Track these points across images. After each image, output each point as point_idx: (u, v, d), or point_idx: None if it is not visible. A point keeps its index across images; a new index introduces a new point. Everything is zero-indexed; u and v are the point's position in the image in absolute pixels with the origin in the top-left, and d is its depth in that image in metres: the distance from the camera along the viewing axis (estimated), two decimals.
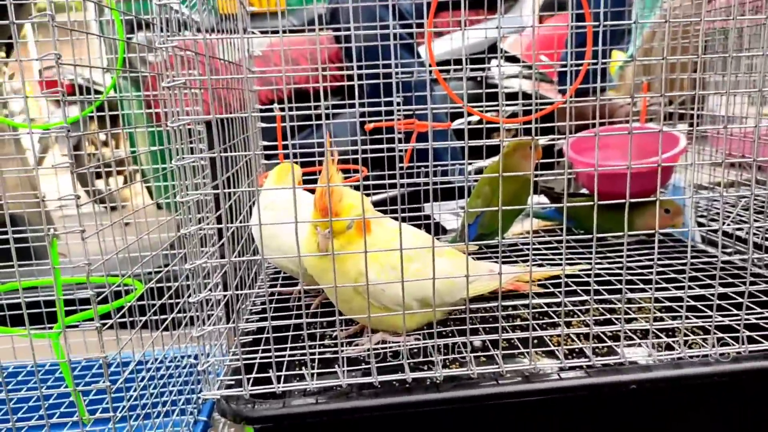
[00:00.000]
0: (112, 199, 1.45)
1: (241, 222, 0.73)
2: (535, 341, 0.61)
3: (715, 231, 0.86)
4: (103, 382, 0.50)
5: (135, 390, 0.58)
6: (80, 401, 0.53)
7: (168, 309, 0.71)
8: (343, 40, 1.21)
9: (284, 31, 1.29)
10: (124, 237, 0.60)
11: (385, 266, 0.53)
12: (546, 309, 0.67)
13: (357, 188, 0.56)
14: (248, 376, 0.52)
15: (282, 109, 0.90)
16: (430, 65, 0.54)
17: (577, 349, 0.59)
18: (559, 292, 0.56)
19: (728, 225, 0.87)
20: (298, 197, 0.61)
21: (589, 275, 0.71)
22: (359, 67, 0.98)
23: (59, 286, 0.49)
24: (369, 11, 1.08)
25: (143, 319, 0.63)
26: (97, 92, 0.85)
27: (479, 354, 0.61)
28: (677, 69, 1.05)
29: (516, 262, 0.83)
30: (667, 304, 0.67)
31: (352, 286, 0.53)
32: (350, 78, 1.13)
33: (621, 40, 1.33)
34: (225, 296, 0.57)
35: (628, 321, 0.64)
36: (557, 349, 0.55)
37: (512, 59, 1.77)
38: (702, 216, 1.00)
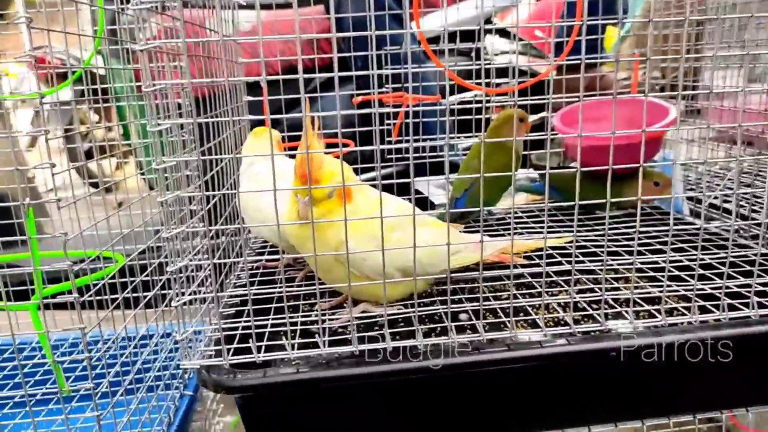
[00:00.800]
0: (105, 181, 1.44)
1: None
2: (519, 312, 0.61)
3: (700, 202, 0.86)
4: (81, 354, 0.50)
5: (118, 366, 0.58)
6: (60, 373, 0.53)
7: (153, 286, 0.70)
8: (333, 11, 1.19)
9: (271, 6, 1.27)
10: (106, 213, 0.60)
11: (366, 235, 0.53)
12: (530, 279, 0.66)
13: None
14: (228, 346, 0.52)
15: (268, 82, 0.89)
16: (419, 40, 0.53)
17: (559, 319, 0.59)
18: (541, 262, 0.56)
19: (712, 196, 0.87)
20: (281, 165, 0.60)
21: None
22: (349, 39, 0.97)
23: (36, 258, 0.49)
24: None
25: (125, 294, 0.63)
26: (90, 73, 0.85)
27: (461, 323, 0.61)
28: (670, 41, 1.04)
29: (503, 235, 0.83)
30: (651, 273, 0.67)
31: (331, 255, 0.53)
32: (340, 51, 1.11)
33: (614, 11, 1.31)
34: (206, 266, 0.57)
35: (610, 290, 0.64)
36: (537, 318, 0.55)
37: (505, 34, 1.75)
38: (691, 189, 1.00)
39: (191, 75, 0.47)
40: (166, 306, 0.70)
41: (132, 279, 0.68)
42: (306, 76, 0.45)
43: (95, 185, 1.16)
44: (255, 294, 0.58)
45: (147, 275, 0.70)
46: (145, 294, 0.68)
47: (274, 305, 0.62)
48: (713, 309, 0.56)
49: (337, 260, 0.55)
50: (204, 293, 0.56)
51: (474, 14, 1.39)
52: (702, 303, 0.57)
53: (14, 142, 1.55)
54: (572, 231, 0.78)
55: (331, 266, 0.55)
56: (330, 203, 0.53)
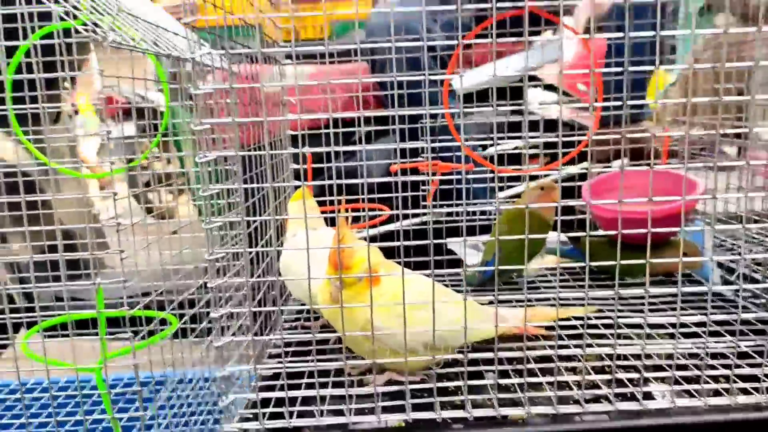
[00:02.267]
0: (166, 212, 1.54)
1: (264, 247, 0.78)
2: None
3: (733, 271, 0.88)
4: (137, 410, 0.56)
5: (165, 417, 0.64)
6: (117, 428, 0.60)
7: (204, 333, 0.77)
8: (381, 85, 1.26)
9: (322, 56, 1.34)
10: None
11: (392, 315, 0.58)
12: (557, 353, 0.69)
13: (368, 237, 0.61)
14: (264, 410, 0.57)
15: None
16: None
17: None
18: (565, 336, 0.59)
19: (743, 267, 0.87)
20: (322, 237, 0.66)
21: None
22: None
23: (103, 328, 0.56)
24: (410, 58, 1.13)
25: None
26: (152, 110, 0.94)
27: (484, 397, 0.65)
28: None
29: (531, 300, 0.86)
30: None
31: (359, 334, 0.58)
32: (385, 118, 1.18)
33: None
34: (245, 313, 0.62)
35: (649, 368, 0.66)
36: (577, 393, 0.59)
37: (550, 87, 1.79)
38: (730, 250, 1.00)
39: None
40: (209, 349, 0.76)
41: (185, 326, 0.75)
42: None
43: (150, 212, 1.25)
44: (289, 362, 0.63)
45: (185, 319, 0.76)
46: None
47: (307, 369, 0.67)
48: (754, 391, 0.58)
49: (365, 336, 0.60)
50: (242, 352, 0.62)
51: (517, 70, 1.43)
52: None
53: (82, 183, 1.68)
54: (598, 297, 0.80)
55: (360, 341, 0.61)
56: (359, 286, 0.59)
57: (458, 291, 0.76)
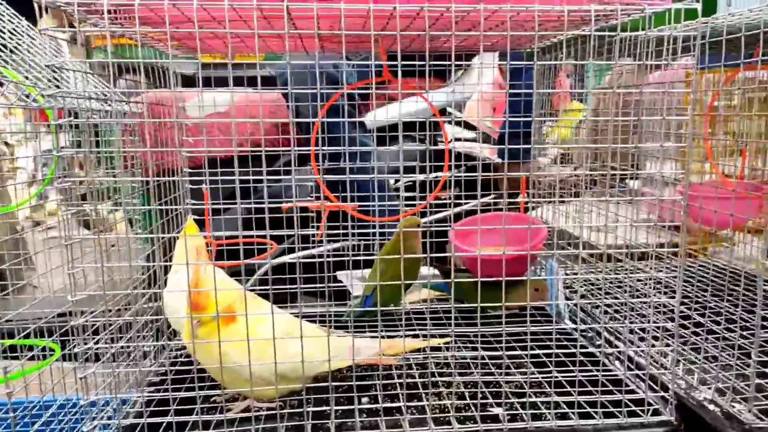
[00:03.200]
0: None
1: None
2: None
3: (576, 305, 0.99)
4: None
5: None
6: None
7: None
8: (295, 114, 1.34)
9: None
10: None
11: (245, 349, 0.65)
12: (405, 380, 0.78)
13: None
14: None
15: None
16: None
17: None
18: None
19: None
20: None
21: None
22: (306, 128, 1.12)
23: None
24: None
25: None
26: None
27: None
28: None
29: (407, 330, 0.94)
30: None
31: (214, 366, 0.65)
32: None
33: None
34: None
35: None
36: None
37: (464, 124, 1.93)
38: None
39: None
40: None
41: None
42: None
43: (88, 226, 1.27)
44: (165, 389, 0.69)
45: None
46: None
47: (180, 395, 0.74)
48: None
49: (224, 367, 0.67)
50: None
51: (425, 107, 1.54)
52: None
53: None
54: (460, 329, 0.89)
55: (218, 371, 0.67)
56: (217, 323, 0.66)
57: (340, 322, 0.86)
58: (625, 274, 0.82)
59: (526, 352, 0.84)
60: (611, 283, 1.03)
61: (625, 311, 0.77)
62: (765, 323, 0.73)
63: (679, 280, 0.66)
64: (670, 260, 1.13)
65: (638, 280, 0.77)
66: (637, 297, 0.75)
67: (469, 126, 1.95)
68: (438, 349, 0.86)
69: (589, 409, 0.69)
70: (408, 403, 0.72)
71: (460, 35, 0.70)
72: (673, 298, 0.67)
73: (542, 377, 0.76)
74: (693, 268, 1.21)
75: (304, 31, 0.73)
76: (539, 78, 1.19)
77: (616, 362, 0.81)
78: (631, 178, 1.52)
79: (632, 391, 0.72)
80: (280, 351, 0.66)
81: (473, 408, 0.73)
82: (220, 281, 0.68)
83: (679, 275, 0.66)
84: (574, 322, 0.98)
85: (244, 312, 0.68)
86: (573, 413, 0.69)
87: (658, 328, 0.69)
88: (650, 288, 0.70)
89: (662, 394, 0.69)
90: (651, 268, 0.69)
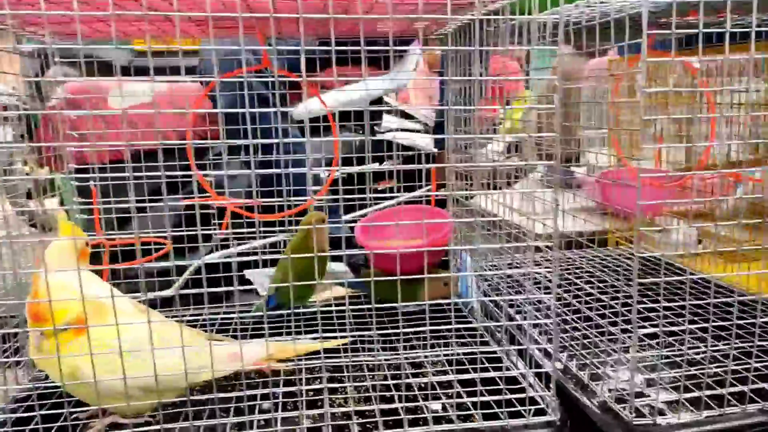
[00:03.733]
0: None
1: None
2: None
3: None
4: None
5: None
6: None
7: None
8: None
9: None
10: None
11: (98, 362, 0.60)
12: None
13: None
14: None
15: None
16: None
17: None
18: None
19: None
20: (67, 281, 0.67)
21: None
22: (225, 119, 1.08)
23: None
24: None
25: None
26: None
27: None
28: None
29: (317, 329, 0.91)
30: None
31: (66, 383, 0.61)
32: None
33: None
34: None
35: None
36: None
37: (400, 113, 1.89)
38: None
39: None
40: None
41: None
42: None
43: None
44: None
45: None
46: None
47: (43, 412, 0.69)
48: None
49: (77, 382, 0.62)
50: None
51: (362, 96, 1.50)
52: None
53: None
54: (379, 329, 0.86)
55: (73, 387, 0.63)
56: (66, 334, 0.61)
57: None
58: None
59: (426, 352, 0.82)
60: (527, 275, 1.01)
61: (526, 307, 0.75)
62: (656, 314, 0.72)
63: (555, 273, 0.63)
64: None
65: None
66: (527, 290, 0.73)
67: (407, 115, 1.92)
68: (337, 351, 0.83)
69: (472, 411, 0.67)
70: (307, 411, 0.69)
71: (340, 18, 0.66)
72: (549, 293, 0.64)
73: (436, 379, 0.74)
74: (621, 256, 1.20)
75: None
76: (465, 66, 1.16)
77: (521, 361, 0.79)
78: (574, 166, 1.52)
79: (523, 390, 0.69)
80: (141, 362, 0.62)
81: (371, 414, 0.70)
82: (74, 289, 0.63)
83: (554, 268, 0.63)
84: (492, 319, 0.96)
85: (100, 322, 0.63)
86: (453, 416, 0.66)
87: (537, 324, 0.66)
88: (530, 283, 0.67)
89: (544, 393, 0.67)
90: (529, 261, 0.66)
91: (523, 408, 0.66)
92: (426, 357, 0.82)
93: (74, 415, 0.65)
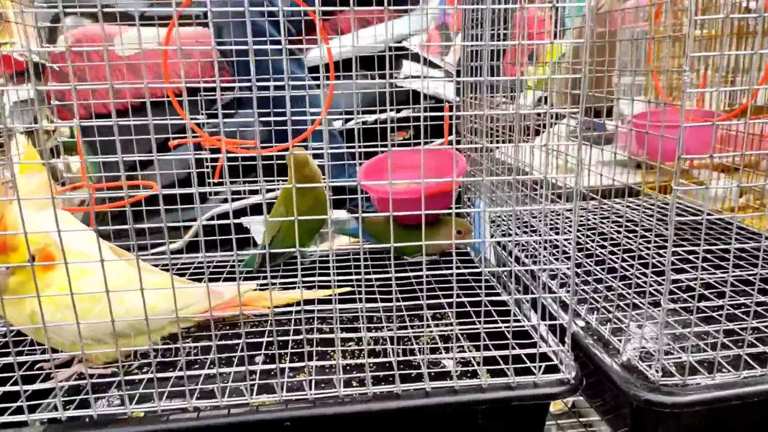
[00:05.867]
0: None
1: None
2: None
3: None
4: None
5: None
6: None
7: None
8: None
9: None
10: None
11: (62, 306, 0.55)
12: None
13: None
14: None
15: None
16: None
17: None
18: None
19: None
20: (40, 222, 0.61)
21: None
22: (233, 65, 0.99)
23: None
24: (250, 22, 1.08)
25: None
26: None
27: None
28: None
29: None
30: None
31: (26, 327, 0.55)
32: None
33: None
34: None
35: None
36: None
37: (418, 58, 1.77)
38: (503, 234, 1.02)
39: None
40: None
41: None
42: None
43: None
44: None
45: None
46: None
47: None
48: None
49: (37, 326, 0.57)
50: None
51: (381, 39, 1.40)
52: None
53: None
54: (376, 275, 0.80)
55: (34, 332, 0.58)
56: (29, 271, 0.55)
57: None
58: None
59: (430, 302, 0.75)
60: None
61: (540, 251, 0.67)
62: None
63: (575, 210, 0.55)
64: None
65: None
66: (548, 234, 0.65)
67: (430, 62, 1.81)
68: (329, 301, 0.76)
69: (476, 368, 0.60)
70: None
71: None
72: (567, 235, 0.56)
73: (437, 331, 0.67)
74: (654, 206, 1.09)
75: None
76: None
77: (533, 312, 0.71)
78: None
79: (534, 345, 0.62)
80: (106, 306, 0.56)
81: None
82: (40, 224, 0.57)
83: (575, 210, 0.55)
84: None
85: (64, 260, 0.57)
86: (454, 372, 0.59)
87: (555, 270, 0.58)
88: (545, 225, 0.59)
89: (558, 348, 0.59)
90: (544, 201, 0.58)
91: (533, 364, 0.58)
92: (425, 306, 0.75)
93: (39, 365, 0.60)
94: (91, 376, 0.60)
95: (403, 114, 1.37)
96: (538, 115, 0.89)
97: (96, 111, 1.09)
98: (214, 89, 1.20)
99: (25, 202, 0.67)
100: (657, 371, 0.57)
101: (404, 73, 1.65)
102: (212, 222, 1.05)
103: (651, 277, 0.65)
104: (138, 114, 1.16)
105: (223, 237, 0.94)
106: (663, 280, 0.54)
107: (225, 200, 1.17)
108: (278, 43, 1.22)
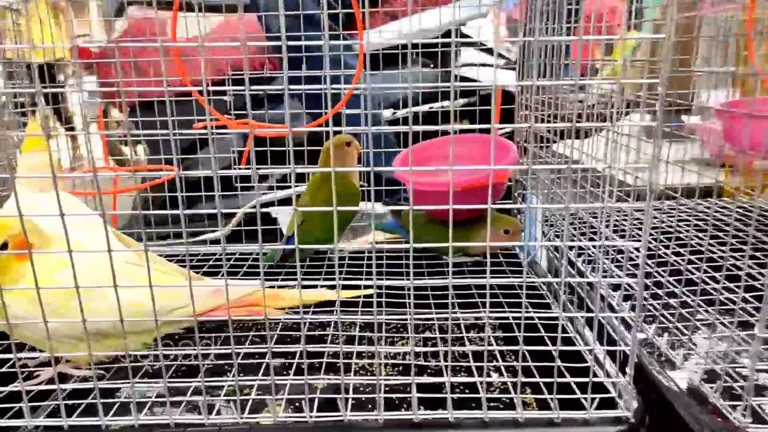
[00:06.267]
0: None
1: None
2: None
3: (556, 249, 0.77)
4: None
5: None
6: None
7: None
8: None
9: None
10: None
11: (35, 301, 0.48)
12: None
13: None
14: None
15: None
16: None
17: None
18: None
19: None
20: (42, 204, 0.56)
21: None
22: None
23: None
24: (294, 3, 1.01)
25: None
26: None
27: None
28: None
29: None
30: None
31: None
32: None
33: None
34: None
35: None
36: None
37: (475, 45, 1.66)
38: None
39: None
40: None
41: None
42: None
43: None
44: None
45: None
46: None
47: None
48: None
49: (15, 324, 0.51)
50: None
51: (438, 24, 1.30)
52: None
53: None
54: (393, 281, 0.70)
55: (12, 329, 0.51)
56: (4, 260, 0.49)
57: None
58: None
59: (464, 314, 0.65)
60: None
61: (599, 257, 0.55)
62: None
63: (647, 215, 0.43)
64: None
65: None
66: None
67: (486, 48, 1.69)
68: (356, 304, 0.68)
69: (513, 395, 0.49)
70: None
71: None
72: (637, 242, 0.44)
73: (469, 348, 0.57)
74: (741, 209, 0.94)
75: None
76: None
77: (587, 330, 0.59)
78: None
79: (586, 372, 0.50)
80: (89, 307, 0.49)
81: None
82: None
83: (647, 210, 0.43)
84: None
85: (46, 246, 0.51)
86: (484, 400, 0.49)
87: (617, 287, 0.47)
88: (606, 226, 0.48)
89: (617, 379, 0.48)
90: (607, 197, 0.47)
91: (584, 395, 0.47)
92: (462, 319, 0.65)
93: (22, 361, 0.54)
94: (66, 380, 0.53)
95: (460, 102, 1.28)
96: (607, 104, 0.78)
97: (146, 96, 1.06)
98: (260, 81, 1.14)
99: (22, 181, 0.62)
100: (744, 415, 0.45)
101: (463, 60, 1.55)
102: (252, 210, 0.98)
103: (740, 294, 0.52)
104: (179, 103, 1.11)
105: (248, 228, 0.87)
106: (751, 297, 0.42)
107: (270, 188, 1.11)
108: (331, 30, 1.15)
